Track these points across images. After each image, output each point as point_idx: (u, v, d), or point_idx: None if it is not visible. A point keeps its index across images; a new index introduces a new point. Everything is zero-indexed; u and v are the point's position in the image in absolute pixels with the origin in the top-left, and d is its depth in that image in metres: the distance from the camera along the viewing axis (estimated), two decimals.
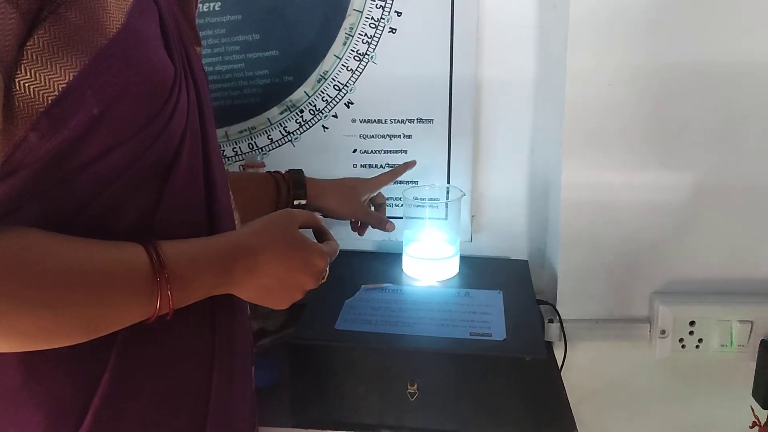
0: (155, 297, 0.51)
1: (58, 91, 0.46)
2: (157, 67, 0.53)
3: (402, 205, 1.08)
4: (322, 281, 0.68)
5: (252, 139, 1.10)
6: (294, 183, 0.93)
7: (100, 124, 0.49)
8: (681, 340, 1.03)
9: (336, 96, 1.07)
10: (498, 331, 0.86)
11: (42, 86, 0.46)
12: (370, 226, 1.03)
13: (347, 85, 1.06)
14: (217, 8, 1.04)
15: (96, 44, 0.48)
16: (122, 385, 0.54)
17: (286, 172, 0.94)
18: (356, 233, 1.04)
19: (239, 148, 1.10)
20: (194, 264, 0.55)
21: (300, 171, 0.95)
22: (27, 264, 0.45)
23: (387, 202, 1.08)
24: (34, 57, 0.45)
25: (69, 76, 0.46)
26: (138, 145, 0.52)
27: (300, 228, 0.67)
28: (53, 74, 0.46)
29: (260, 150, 1.11)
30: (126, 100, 0.50)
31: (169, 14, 0.58)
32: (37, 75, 0.46)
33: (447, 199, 1.08)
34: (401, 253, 1.06)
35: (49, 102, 0.46)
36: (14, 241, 0.45)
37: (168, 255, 0.52)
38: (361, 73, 1.05)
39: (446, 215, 1.07)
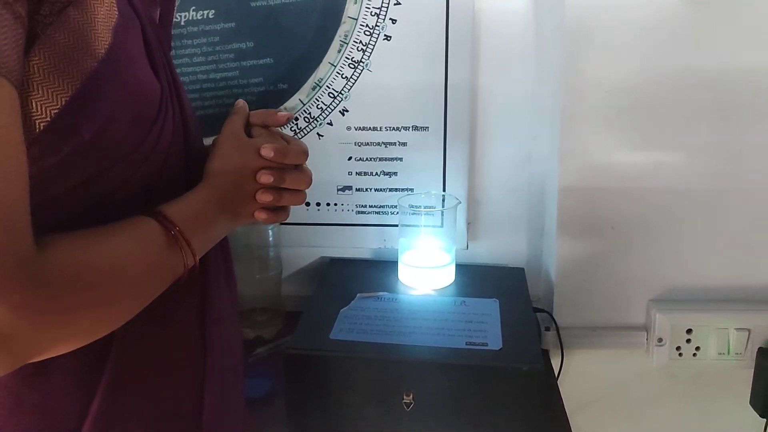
0: (179, 254, 0.54)
1: (51, 117, 0.44)
2: (145, 86, 0.52)
3: (397, 212, 1.08)
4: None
5: None
6: None
7: (91, 149, 0.47)
8: (678, 348, 1.03)
9: (331, 104, 1.06)
10: (494, 341, 0.86)
11: (35, 112, 0.44)
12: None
13: (342, 92, 1.06)
14: (211, 16, 1.03)
15: (86, 67, 0.46)
16: (114, 410, 0.53)
17: None
18: None
19: None
20: (197, 213, 0.57)
21: None
22: (66, 275, 0.45)
23: (383, 209, 1.07)
24: (26, 83, 0.43)
25: (61, 102, 0.45)
26: (128, 167, 0.51)
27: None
28: (45, 100, 0.44)
29: None
30: (117, 123, 0.49)
31: (150, 24, 0.56)
32: (30, 101, 0.44)
33: (443, 206, 1.07)
34: (397, 261, 1.05)
35: (41, 128, 0.44)
36: (48, 254, 0.44)
37: (173, 214, 0.54)
38: (356, 80, 1.05)
39: (442, 223, 1.07)
